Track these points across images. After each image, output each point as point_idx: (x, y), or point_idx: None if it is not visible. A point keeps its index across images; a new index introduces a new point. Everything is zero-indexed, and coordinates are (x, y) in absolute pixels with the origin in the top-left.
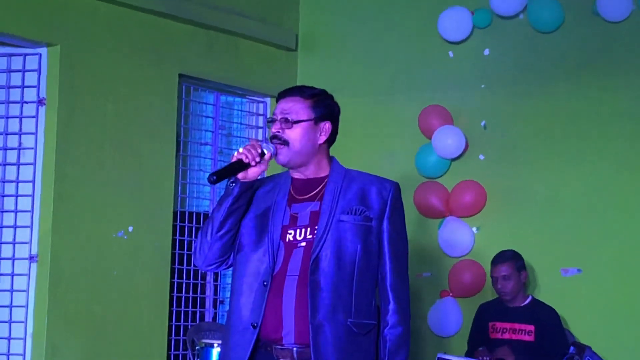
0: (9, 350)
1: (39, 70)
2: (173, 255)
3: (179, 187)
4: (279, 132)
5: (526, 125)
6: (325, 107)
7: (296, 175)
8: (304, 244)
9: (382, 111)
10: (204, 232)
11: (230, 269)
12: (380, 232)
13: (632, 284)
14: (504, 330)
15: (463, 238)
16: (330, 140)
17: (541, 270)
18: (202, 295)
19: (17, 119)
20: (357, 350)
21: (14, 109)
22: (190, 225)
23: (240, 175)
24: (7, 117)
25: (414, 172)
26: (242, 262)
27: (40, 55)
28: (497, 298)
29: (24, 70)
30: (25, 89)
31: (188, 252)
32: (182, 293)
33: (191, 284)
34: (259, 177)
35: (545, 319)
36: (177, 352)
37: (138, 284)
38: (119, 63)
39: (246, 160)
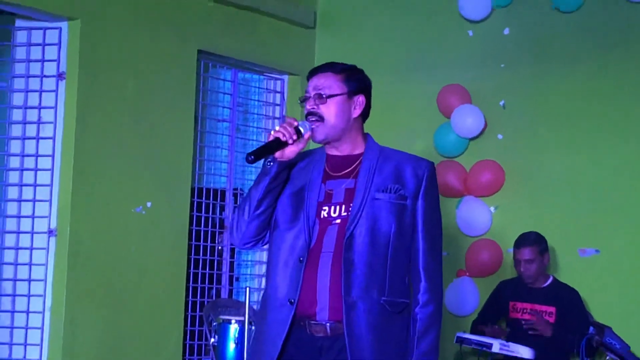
0: (27, 324)
1: (59, 44)
2: (190, 231)
3: (197, 164)
4: (313, 108)
5: (545, 105)
6: (357, 81)
7: (331, 151)
8: (338, 221)
9: (400, 90)
10: (241, 211)
11: (265, 247)
12: (414, 210)
13: None
14: (524, 311)
15: (481, 217)
16: (365, 114)
17: (559, 251)
18: (218, 272)
19: (37, 93)
20: (390, 329)
21: (34, 83)
22: (207, 201)
23: (277, 154)
24: (27, 91)
25: (432, 151)
26: (278, 239)
27: (61, 29)
28: (518, 277)
29: (44, 44)
30: (45, 63)
31: (205, 229)
32: (198, 269)
33: (208, 260)
34: (295, 156)
35: (567, 300)
36: (193, 328)
37: (156, 260)
38: (139, 38)
39: (283, 139)
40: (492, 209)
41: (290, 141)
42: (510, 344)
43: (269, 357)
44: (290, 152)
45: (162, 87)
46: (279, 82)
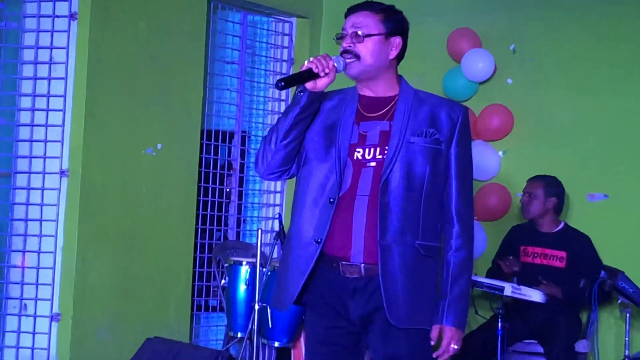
0: (38, 264)
1: None
2: (199, 173)
3: (206, 105)
4: (350, 46)
5: (555, 49)
6: (395, 22)
7: (364, 92)
8: (373, 164)
9: (411, 33)
10: (267, 140)
11: (288, 180)
12: (448, 155)
13: None
14: (535, 255)
15: (489, 162)
16: (400, 56)
17: (568, 195)
18: (226, 214)
19: (49, 33)
20: (423, 272)
21: (46, 23)
22: (217, 143)
23: (309, 85)
24: (39, 31)
25: (442, 95)
26: (307, 176)
27: None
28: (530, 222)
29: None
30: (57, 3)
31: (214, 171)
32: (207, 211)
33: (216, 202)
34: (326, 90)
35: (578, 246)
36: (201, 270)
37: (166, 201)
38: None
39: (316, 70)
40: (500, 153)
41: (322, 73)
42: (522, 287)
43: (290, 295)
44: (322, 83)
45: (173, 28)
46: (287, 24)
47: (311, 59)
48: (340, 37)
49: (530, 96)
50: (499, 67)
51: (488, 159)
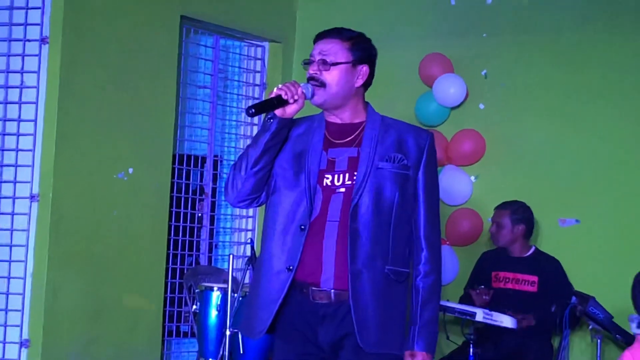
0: (8, 289)
1: (42, 8)
2: (171, 198)
3: (178, 130)
4: (316, 73)
5: (527, 74)
6: (363, 50)
7: (331, 118)
8: (343, 189)
9: (382, 58)
10: (237, 168)
11: (259, 207)
12: (416, 180)
13: (630, 234)
14: (507, 280)
15: (461, 187)
16: (367, 84)
17: (539, 221)
18: (197, 239)
19: (20, 57)
20: (393, 297)
21: (17, 47)
22: (189, 168)
23: (278, 112)
24: (9, 55)
25: (414, 120)
26: (277, 203)
27: None
28: (501, 247)
29: (27, 8)
30: (28, 27)
31: (185, 196)
32: (179, 236)
33: (188, 227)
34: (294, 117)
35: (549, 269)
36: (172, 295)
37: (137, 226)
38: (123, 3)
39: (285, 97)
40: (472, 178)
41: (291, 100)
42: (493, 313)
43: (262, 323)
44: (291, 110)
45: (145, 52)
46: (259, 49)
47: (280, 85)
48: (307, 63)
49: (502, 121)
50: (471, 92)
51: (460, 184)
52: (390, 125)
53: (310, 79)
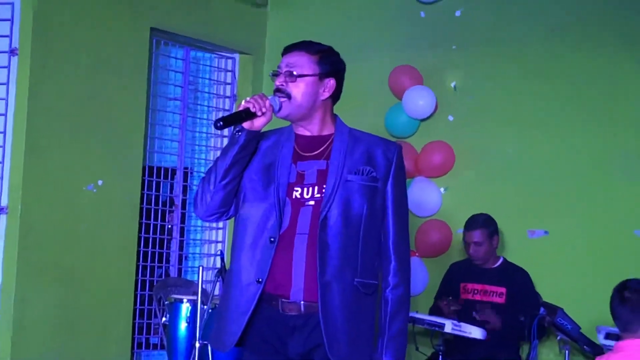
0: None
1: (11, 20)
2: (140, 209)
3: (147, 142)
4: (282, 85)
5: (496, 87)
6: (331, 64)
7: (299, 131)
8: (312, 202)
9: (352, 70)
10: (206, 181)
11: (228, 220)
12: (384, 193)
13: (599, 246)
14: (475, 292)
15: (431, 198)
16: (335, 97)
17: (509, 232)
18: (167, 251)
19: None
20: (362, 309)
21: None
22: (158, 180)
23: (246, 125)
24: None
25: (384, 132)
26: (246, 216)
27: (13, 4)
28: (469, 258)
29: None
30: None
31: (155, 207)
32: (148, 248)
33: (157, 239)
34: (263, 129)
35: (517, 281)
36: (142, 307)
37: (107, 238)
38: (92, 15)
39: (253, 110)
40: (442, 189)
41: (259, 113)
42: (462, 324)
43: (232, 336)
44: (259, 123)
45: (115, 64)
46: (230, 60)
47: (248, 98)
48: (275, 75)
49: (471, 133)
50: (440, 104)
51: (430, 196)
52: (359, 138)
53: (277, 90)
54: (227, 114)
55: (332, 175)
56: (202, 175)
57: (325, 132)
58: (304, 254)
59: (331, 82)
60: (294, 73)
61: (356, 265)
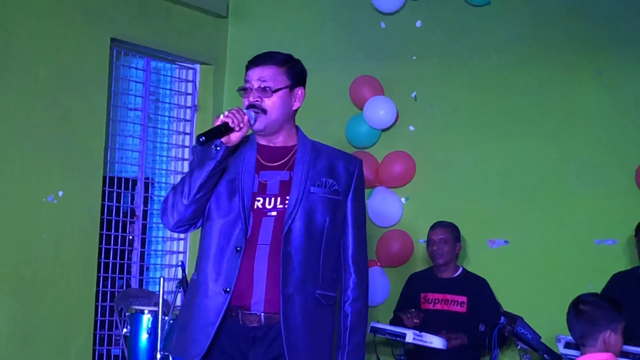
0: None
1: None
2: (101, 220)
3: (108, 153)
4: (257, 101)
5: (456, 96)
6: (297, 73)
7: (263, 142)
8: (274, 213)
9: (313, 80)
10: (178, 194)
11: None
12: (345, 206)
13: (558, 255)
14: (436, 301)
15: (392, 208)
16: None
17: (469, 241)
18: (128, 262)
19: None
20: (322, 321)
21: None
22: (119, 190)
23: (224, 139)
24: None
25: (345, 142)
26: (212, 226)
27: None
28: (429, 269)
29: None
30: None
31: (116, 218)
32: (109, 259)
33: (118, 250)
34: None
35: (477, 290)
36: (103, 318)
37: (67, 249)
38: (52, 25)
39: (232, 125)
40: (403, 199)
41: (237, 128)
42: (423, 333)
43: (199, 346)
44: (235, 137)
45: (75, 74)
46: (191, 71)
47: (226, 112)
48: (243, 89)
49: (431, 143)
50: (401, 114)
51: (391, 206)
52: (321, 151)
53: (251, 106)
54: (205, 130)
55: (296, 187)
56: (164, 185)
57: (289, 143)
58: (265, 265)
59: (300, 92)
60: (268, 88)
61: (317, 277)
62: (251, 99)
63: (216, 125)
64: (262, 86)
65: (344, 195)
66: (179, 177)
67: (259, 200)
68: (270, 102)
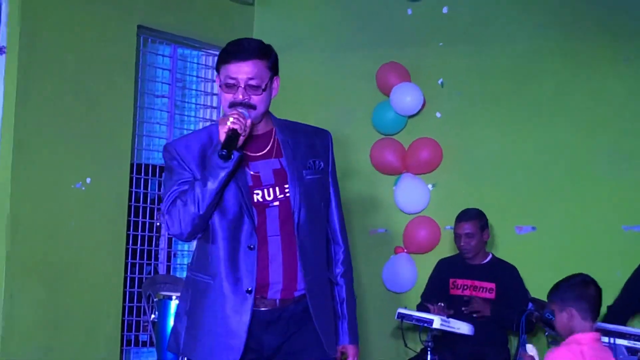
0: None
1: None
2: (129, 207)
3: (136, 140)
4: (246, 99)
5: (483, 83)
6: (275, 62)
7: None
8: (276, 203)
9: (339, 67)
10: (190, 205)
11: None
12: (328, 182)
13: (585, 241)
14: (465, 287)
15: (419, 195)
16: None
17: (496, 228)
18: (156, 248)
19: None
20: (330, 300)
21: None
22: (146, 177)
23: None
24: None
25: (371, 129)
26: (217, 228)
27: (1, 3)
28: (457, 254)
29: None
30: None
31: (144, 205)
32: (137, 245)
33: (146, 236)
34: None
35: (506, 276)
36: (131, 304)
37: (95, 235)
38: (80, 13)
39: (240, 131)
40: (429, 186)
41: (243, 133)
42: (450, 319)
43: (236, 350)
44: (241, 142)
45: (102, 62)
46: (217, 57)
47: (232, 119)
48: (229, 86)
49: (458, 129)
50: (428, 101)
51: (417, 192)
52: (296, 130)
53: (240, 104)
54: (222, 144)
55: (292, 176)
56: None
57: (267, 129)
58: (279, 255)
59: (277, 82)
60: (258, 85)
61: (325, 259)
62: (240, 96)
63: (228, 134)
64: (251, 84)
65: (325, 172)
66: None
67: (257, 194)
68: (259, 98)
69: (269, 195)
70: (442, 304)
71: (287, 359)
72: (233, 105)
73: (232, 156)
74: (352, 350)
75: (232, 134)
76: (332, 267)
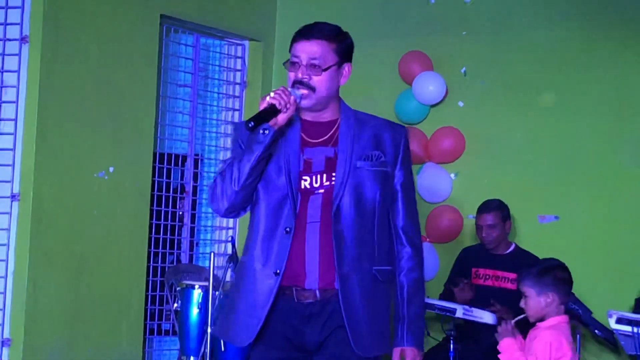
0: None
1: (22, 8)
2: (152, 196)
3: (158, 129)
4: (305, 78)
5: (506, 72)
6: (346, 48)
7: (309, 117)
8: (321, 190)
9: (362, 56)
10: (228, 180)
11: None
12: (394, 177)
13: (608, 231)
14: (487, 277)
15: (441, 184)
16: None
17: (519, 217)
18: (178, 237)
19: (0, 57)
20: (379, 297)
21: None
22: (169, 167)
23: (271, 122)
24: None
25: (393, 118)
26: (260, 208)
27: None
28: (480, 244)
29: (7, 7)
30: (7, 27)
31: (166, 194)
32: (159, 234)
33: (169, 225)
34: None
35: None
36: (154, 293)
37: (118, 224)
38: (103, 3)
39: (279, 107)
40: (452, 175)
41: (284, 109)
42: (473, 309)
43: (250, 330)
44: (282, 119)
45: (125, 51)
46: (240, 47)
47: (272, 94)
48: (291, 64)
49: (481, 118)
50: (450, 89)
51: (440, 181)
52: (365, 122)
53: (298, 82)
54: (253, 114)
55: (342, 163)
56: (213, 162)
57: (333, 117)
58: (317, 243)
59: (347, 68)
60: (318, 65)
61: (373, 253)
62: (299, 74)
63: (263, 108)
64: (312, 63)
65: (392, 166)
66: (228, 154)
67: (305, 180)
68: (319, 80)
69: (316, 182)
70: (466, 281)
71: (325, 357)
72: (294, 83)
73: (267, 132)
74: (411, 352)
75: (270, 109)
76: (395, 267)
